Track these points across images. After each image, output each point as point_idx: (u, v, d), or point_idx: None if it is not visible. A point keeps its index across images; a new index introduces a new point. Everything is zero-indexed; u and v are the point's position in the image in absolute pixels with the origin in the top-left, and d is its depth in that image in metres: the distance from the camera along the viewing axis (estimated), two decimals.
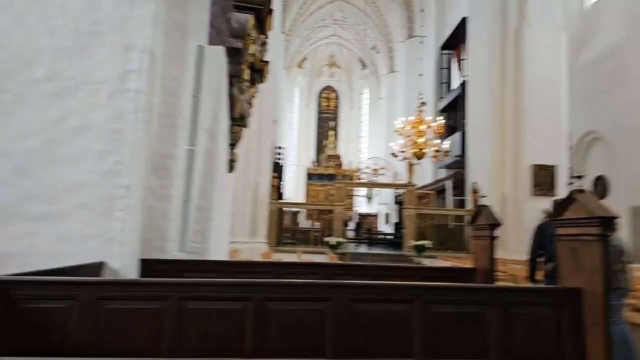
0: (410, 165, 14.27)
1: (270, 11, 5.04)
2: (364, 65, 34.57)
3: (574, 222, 2.57)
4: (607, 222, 2.37)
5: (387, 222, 26.76)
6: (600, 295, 2.42)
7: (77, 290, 2.55)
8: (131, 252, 3.61)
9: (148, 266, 3.82)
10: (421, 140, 13.31)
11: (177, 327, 2.50)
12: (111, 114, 3.72)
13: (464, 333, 2.58)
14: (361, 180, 15.64)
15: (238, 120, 5.17)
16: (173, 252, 3.95)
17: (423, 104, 14.08)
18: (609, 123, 13.54)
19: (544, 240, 4.64)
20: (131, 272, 3.64)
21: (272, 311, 2.60)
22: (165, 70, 4.15)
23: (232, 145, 5.29)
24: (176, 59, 4.22)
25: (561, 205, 2.69)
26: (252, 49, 4.86)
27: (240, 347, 2.54)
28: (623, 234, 10.08)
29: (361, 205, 31.29)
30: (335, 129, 36.94)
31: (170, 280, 2.68)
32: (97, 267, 3.49)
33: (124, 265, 3.58)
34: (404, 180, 14.88)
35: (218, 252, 4.78)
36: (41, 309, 2.49)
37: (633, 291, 5.81)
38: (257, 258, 10.67)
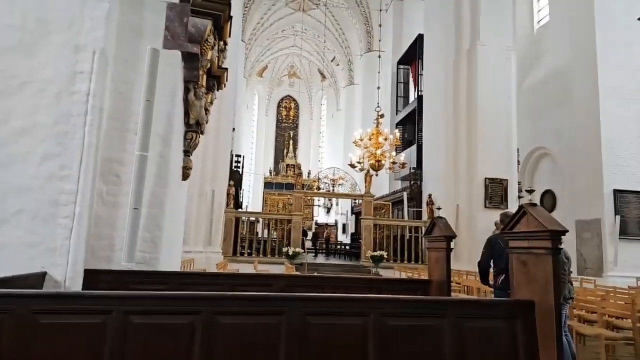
0: (368, 176, 14.44)
1: (229, 18, 4.96)
2: (323, 77, 34.89)
3: (526, 235, 2.64)
4: (558, 236, 2.45)
5: (344, 232, 26.93)
6: (552, 307, 2.46)
7: (10, 304, 2.35)
8: (75, 262, 3.39)
9: (93, 277, 3.61)
10: (379, 152, 13.51)
11: (121, 343, 2.34)
12: (57, 115, 3.51)
13: (419, 347, 2.57)
14: (320, 190, 15.63)
15: (194, 127, 5.02)
16: (120, 262, 3.74)
17: (381, 116, 14.32)
18: (555, 140, 14.31)
19: (493, 254, 4.70)
20: (75, 284, 3.42)
21: (222, 325, 2.49)
22: (117, 72, 3.98)
23: (187, 152, 5.12)
24: (129, 61, 4.06)
25: (513, 219, 2.75)
26: (210, 54, 4.75)
27: None
28: (570, 247, 10.59)
29: (319, 215, 31.37)
30: (294, 138, 36.95)
31: (114, 293, 2.52)
32: (37, 278, 3.26)
33: (67, 276, 3.37)
34: (361, 191, 15.02)
35: (169, 262, 4.59)
36: None
37: (576, 301, 6.08)
38: (213, 268, 10.40)
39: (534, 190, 2.90)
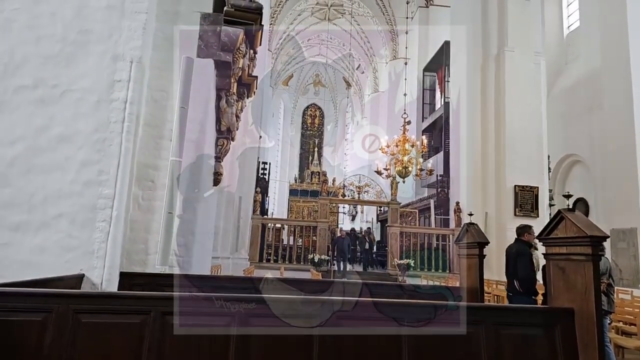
0: (394, 183, 14.32)
1: (260, 27, 5.05)
2: (348, 85, 34.95)
3: (564, 241, 2.56)
4: (598, 242, 2.36)
5: None
6: (592, 315, 2.38)
7: (53, 303, 2.44)
8: (112, 265, 3.49)
9: (128, 279, 3.71)
10: (406, 158, 13.39)
11: (159, 343, 2.40)
12: (96, 123, 3.64)
13: (455, 354, 2.53)
14: (345, 197, 15.59)
15: (225, 133, 5.11)
16: (155, 265, 3.83)
17: (408, 122, 14.22)
18: (587, 147, 13.89)
19: (508, 261, 4.94)
20: (111, 286, 3.52)
21: (256, 327, 2.52)
22: (153, 81, 4.11)
23: (218, 158, 5.22)
24: (164, 70, 4.18)
25: (550, 224, 2.68)
26: (241, 62, 4.85)
27: None
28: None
29: (345, 223, 31.21)
30: (319, 146, 37.05)
31: (152, 294, 2.59)
32: (76, 280, 3.37)
33: (104, 278, 3.47)
34: (387, 198, 14.90)
35: (201, 266, 4.66)
36: (15, 322, 2.37)
37: (616, 313, 5.86)
38: (240, 274, 10.47)
39: (572, 195, 2.83)
